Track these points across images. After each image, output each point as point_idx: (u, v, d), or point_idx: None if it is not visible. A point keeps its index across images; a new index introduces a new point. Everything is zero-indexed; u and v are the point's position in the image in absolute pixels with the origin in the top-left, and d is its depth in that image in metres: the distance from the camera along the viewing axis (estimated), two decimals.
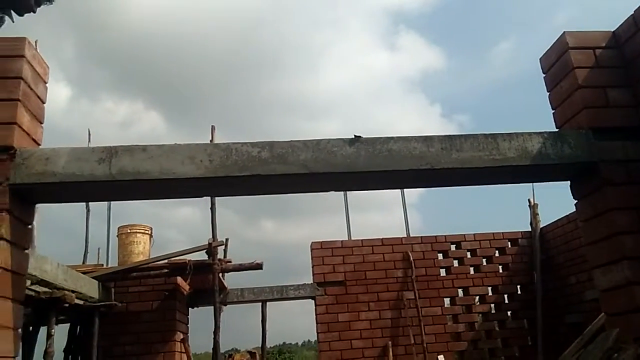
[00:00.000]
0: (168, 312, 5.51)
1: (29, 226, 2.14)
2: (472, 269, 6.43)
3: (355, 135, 2.18)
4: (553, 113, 2.50)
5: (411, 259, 6.18)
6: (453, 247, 6.46)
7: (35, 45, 2.24)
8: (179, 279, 5.66)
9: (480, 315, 6.32)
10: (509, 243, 6.54)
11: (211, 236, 5.55)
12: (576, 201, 2.37)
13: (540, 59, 2.57)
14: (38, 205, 2.32)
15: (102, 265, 5.92)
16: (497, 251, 6.53)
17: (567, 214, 5.99)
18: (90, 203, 6.66)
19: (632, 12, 2.29)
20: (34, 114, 2.16)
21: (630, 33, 2.30)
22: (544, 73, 2.55)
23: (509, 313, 6.32)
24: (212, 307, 5.44)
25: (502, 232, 6.60)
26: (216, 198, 5.59)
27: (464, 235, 6.52)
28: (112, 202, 6.49)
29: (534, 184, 5.45)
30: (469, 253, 6.44)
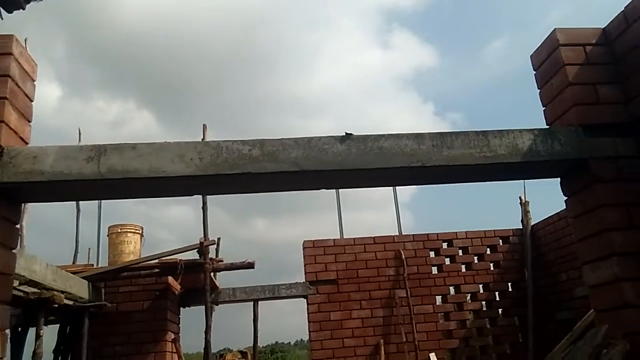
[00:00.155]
0: (159, 312, 5.48)
1: (17, 226, 2.12)
2: (463, 266, 6.45)
3: (346, 133, 2.17)
4: (544, 110, 2.50)
5: (403, 257, 6.19)
6: (445, 245, 6.47)
7: (25, 44, 2.21)
8: (170, 279, 5.63)
9: (472, 312, 6.33)
10: (500, 241, 6.57)
11: (202, 235, 5.53)
12: (566, 198, 2.38)
13: (531, 56, 2.58)
14: (27, 205, 2.30)
15: (93, 265, 5.88)
16: (488, 249, 6.55)
17: (558, 211, 6.02)
18: (80, 202, 6.62)
19: (622, 9, 2.29)
20: (21, 112, 2.13)
21: (621, 30, 2.31)
22: (534, 70, 2.56)
23: (500, 310, 6.34)
24: (204, 306, 5.42)
25: (494, 230, 6.62)
26: (207, 197, 5.56)
27: (456, 233, 6.54)
28: (102, 202, 6.46)
29: (525, 181, 5.48)
30: (460, 251, 6.46)
